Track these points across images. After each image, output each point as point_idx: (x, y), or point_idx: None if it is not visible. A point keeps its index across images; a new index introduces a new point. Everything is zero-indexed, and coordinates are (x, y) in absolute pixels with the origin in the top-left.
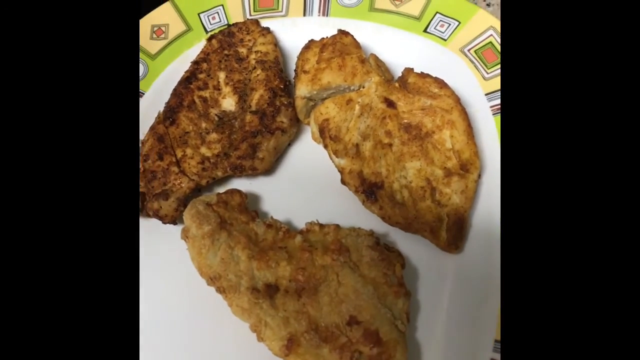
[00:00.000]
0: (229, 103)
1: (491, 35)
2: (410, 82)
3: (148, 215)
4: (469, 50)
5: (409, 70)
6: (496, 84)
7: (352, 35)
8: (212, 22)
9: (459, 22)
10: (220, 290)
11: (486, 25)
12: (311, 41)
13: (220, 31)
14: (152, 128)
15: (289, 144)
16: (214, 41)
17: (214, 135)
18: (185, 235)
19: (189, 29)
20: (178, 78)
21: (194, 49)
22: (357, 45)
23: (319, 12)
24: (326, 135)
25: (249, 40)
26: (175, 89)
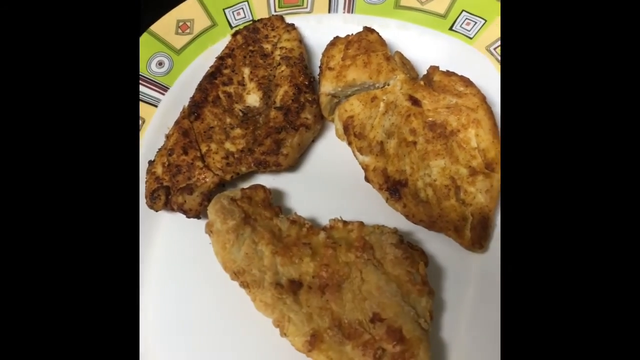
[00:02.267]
0: (253, 99)
1: None
2: (435, 80)
3: (172, 209)
4: (495, 49)
5: (434, 68)
6: None
7: (378, 33)
8: (237, 17)
9: (485, 20)
10: (244, 285)
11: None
12: (336, 38)
13: (245, 27)
14: (176, 122)
15: (313, 141)
16: (238, 37)
17: (238, 131)
18: (209, 229)
19: (214, 24)
20: (203, 73)
21: (219, 45)
22: (382, 42)
23: (344, 9)
24: (350, 132)
25: (274, 36)
26: (200, 84)
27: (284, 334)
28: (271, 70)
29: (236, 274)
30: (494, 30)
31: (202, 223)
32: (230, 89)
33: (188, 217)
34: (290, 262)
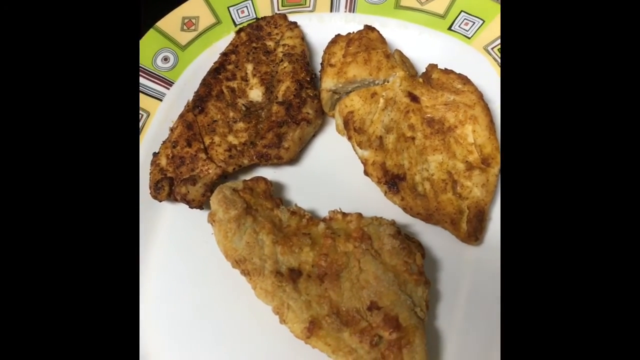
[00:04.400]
0: (256, 94)
1: None
2: (434, 77)
3: (176, 200)
4: (492, 49)
5: (433, 66)
6: None
7: (378, 31)
8: (241, 15)
9: (483, 21)
10: (245, 272)
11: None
12: (338, 35)
13: (249, 24)
14: (181, 116)
15: (314, 135)
16: (242, 34)
17: (241, 125)
18: (212, 219)
19: (218, 21)
20: (207, 69)
21: (223, 41)
22: (382, 40)
23: (346, 8)
24: (350, 127)
25: (277, 33)
26: (204, 79)
27: (283, 320)
28: (274, 66)
29: (237, 262)
30: (491, 30)
31: (204, 213)
32: (234, 84)
33: (191, 207)
34: (290, 251)
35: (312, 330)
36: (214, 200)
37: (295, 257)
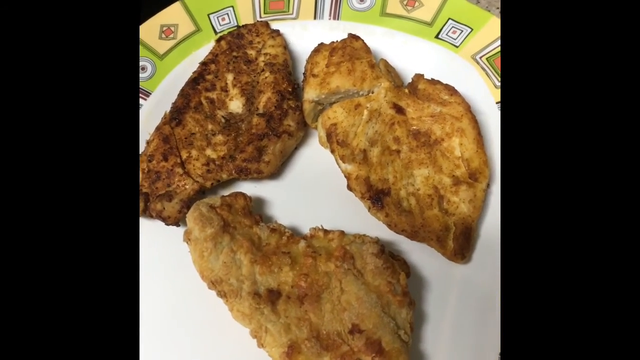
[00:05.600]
0: (236, 105)
1: None
2: (420, 88)
3: (151, 216)
4: (480, 58)
5: (419, 77)
6: None
7: (363, 40)
8: (221, 23)
9: (472, 29)
10: (221, 294)
11: (499, 32)
12: (321, 44)
13: (230, 32)
14: (157, 128)
15: (296, 148)
16: (222, 42)
17: (219, 137)
18: (187, 237)
19: (198, 29)
20: (186, 79)
21: (203, 50)
22: (367, 49)
23: (330, 15)
24: (333, 140)
25: (258, 42)
26: (182, 90)
27: (261, 344)
28: (255, 76)
29: (213, 283)
30: (480, 39)
31: (181, 231)
32: (213, 94)
33: (167, 224)
34: (269, 271)
35: (290, 354)
36: (189, 217)
37: (274, 277)
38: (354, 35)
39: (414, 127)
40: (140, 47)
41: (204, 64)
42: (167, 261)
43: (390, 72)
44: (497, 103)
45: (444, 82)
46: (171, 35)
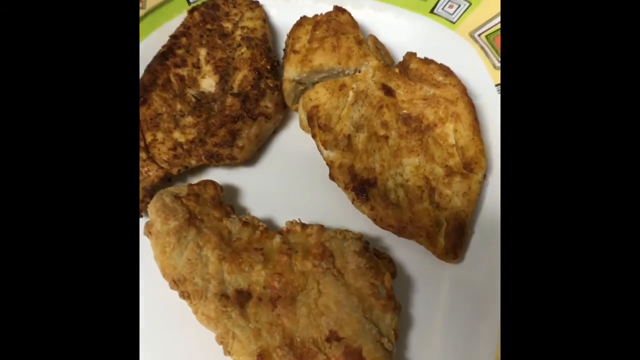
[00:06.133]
0: (208, 83)
1: None
2: (412, 68)
3: None
4: (479, 36)
5: (411, 55)
6: None
7: (350, 13)
8: None
9: (470, 4)
10: (185, 295)
11: (499, 7)
12: (303, 18)
13: (204, 3)
14: None
15: (274, 132)
16: (196, 13)
17: (189, 119)
18: (148, 230)
19: None
20: (154, 53)
21: (174, 22)
22: (354, 24)
23: None
24: (315, 124)
25: (235, 14)
26: (149, 65)
27: (227, 352)
28: (230, 52)
29: (176, 283)
30: (479, 14)
31: (143, 222)
32: (184, 71)
33: None
34: (239, 269)
35: None
36: (151, 208)
37: (245, 276)
38: (340, 8)
39: (404, 111)
40: None
41: (174, 37)
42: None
43: (380, 49)
44: (496, 86)
45: (439, 61)
46: (140, 5)
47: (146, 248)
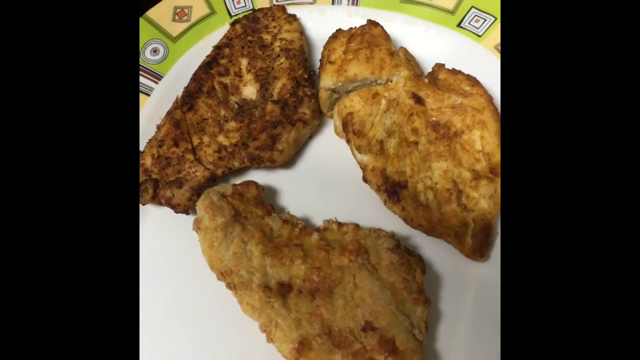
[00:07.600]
0: (250, 91)
1: None
2: (440, 78)
3: (160, 203)
4: None
5: (439, 66)
6: None
7: (382, 27)
8: (237, 6)
9: (496, 18)
10: (231, 286)
11: None
12: (339, 31)
13: (245, 16)
14: (169, 113)
15: (310, 137)
16: (237, 26)
17: (232, 124)
18: (197, 226)
19: (212, 12)
20: (198, 62)
21: (217, 34)
22: (386, 37)
23: (349, 1)
24: (349, 130)
25: (274, 26)
26: (195, 74)
27: (270, 339)
28: (270, 62)
29: (223, 275)
30: None
31: (190, 219)
32: (227, 79)
33: (176, 212)
34: (281, 263)
35: (301, 351)
36: (200, 206)
37: (286, 270)
38: (373, 21)
39: (433, 119)
40: (153, 30)
41: (217, 47)
42: (176, 250)
43: (410, 60)
44: None
45: (466, 72)
46: (185, 18)
47: (194, 242)
